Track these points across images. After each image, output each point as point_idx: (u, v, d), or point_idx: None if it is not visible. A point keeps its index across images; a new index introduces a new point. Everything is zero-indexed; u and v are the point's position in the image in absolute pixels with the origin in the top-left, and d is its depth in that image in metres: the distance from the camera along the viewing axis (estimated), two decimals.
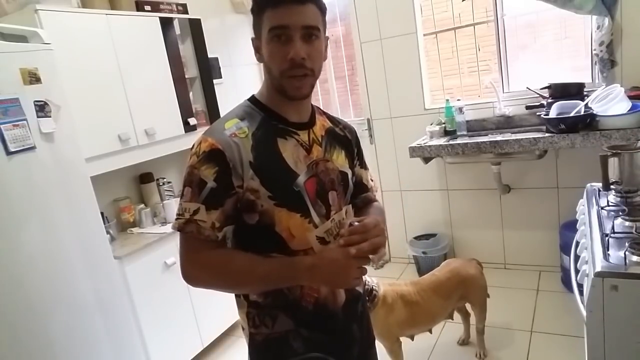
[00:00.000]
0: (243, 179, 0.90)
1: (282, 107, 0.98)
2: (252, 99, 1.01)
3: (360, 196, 1.18)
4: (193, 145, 0.93)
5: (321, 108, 1.13)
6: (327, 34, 0.98)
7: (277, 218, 0.93)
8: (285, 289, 0.98)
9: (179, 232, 0.92)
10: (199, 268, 0.92)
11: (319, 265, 0.90)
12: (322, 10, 0.93)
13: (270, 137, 0.95)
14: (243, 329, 1.06)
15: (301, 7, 0.88)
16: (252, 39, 0.96)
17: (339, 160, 1.06)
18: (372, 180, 1.23)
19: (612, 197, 1.55)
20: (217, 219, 0.90)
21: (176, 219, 0.92)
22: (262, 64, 0.98)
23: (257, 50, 0.96)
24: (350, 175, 1.09)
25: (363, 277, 0.95)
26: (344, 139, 1.11)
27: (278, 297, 0.98)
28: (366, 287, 1.86)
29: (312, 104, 1.06)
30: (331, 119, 1.12)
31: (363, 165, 1.21)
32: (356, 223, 0.93)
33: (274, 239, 0.95)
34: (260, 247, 0.95)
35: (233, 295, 1.04)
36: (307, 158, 0.99)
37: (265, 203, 0.92)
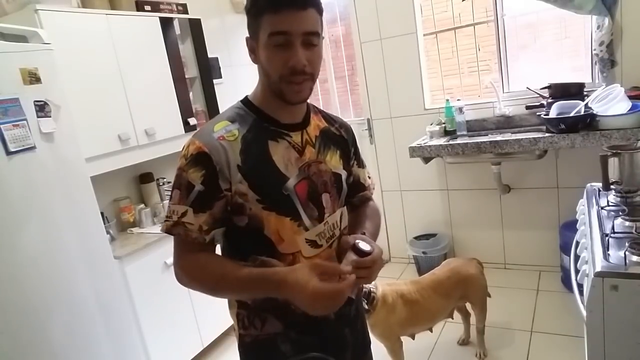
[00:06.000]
0: (230, 182, 0.89)
1: (276, 108, 0.96)
2: (245, 101, 0.99)
3: (357, 195, 1.17)
4: (183, 147, 0.93)
5: (317, 106, 1.11)
6: (324, 35, 0.96)
7: (266, 222, 0.93)
8: None
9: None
10: (182, 270, 0.93)
11: (289, 286, 0.84)
12: (321, 13, 0.91)
13: (260, 139, 0.94)
14: (234, 330, 1.06)
15: (302, 13, 0.85)
16: (247, 39, 0.94)
17: (333, 161, 1.04)
18: (369, 178, 1.22)
19: (612, 197, 1.55)
20: (204, 222, 0.90)
21: (164, 221, 0.92)
22: (257, 65, 0.95)
23: (252, 51, 0.93)
24: (344, 177, 1.07)
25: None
26: (339, 138, 1.10)
27: (268, 298, 0.97)
28: (363, 290, 1.86)
29: (307, 103, 1.04)
30: (327, 117, 1.10)
31: (360, 164, 1.19)
32: (361, 245, 0.93)
33: (263, 242, 0.94)
34: (249, 250, 0.95)
35: None
36: (299, 160, 0.97)
37: (253, 206, 0.91)
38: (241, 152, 0.91)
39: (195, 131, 0.96)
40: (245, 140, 0.92)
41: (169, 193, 1.01)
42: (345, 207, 1.10)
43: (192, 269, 0.92)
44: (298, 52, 0.87)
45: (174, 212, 0.90)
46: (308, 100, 1.02)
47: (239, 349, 1.05)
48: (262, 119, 0.96)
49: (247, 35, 0.94)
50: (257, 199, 0.91)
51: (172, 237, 0.94)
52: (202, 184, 0.88)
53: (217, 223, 0.91)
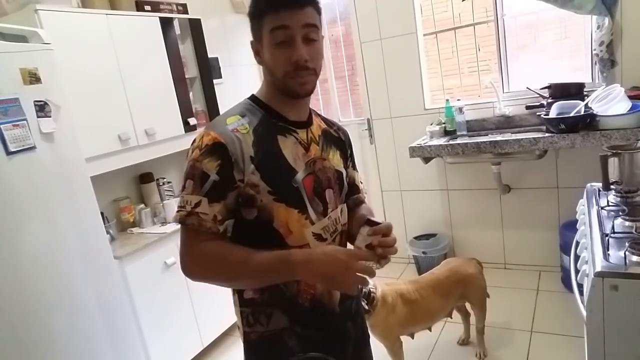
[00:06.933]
0: (244, 173, 0.91)
1: (283, 106, 0.99)
2: (253, 98, 1.02)
3: (352, 197, 1.20)
4: (195, 140, 0.94)
5: (315, 110, 1.15)
6: (323, 34, 0.99)
7: (276, 213, 0.94)
8: (282, 285, 0.98)
9: (179, 225, 0.92)
10: (196, 260, 0.91)
11: (314, 262, 0.87)
12: (319, 12, 0.96)
13: (270, 133, 0.97)
14: (238, 327, 1.06)
15: (301, 10, 0.90)
16: (252, 42, 0.98)
17: (335, 159, 1.08)
18: (361, 182, 1.25)
19: (612, 197, 1.55)
20: (219, 212, 0.90)
21: (177, 211, 0.92)
22: (262, 67, 0.99)
23: (257, 53, 0.98)
24: (345, 175, 1.11)
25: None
26: (338, 140, 1.14)
27: (275, 293, 0.98)
28: (363, 290, 1.86)
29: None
30: (325, 120, 1.15)
31: (354, 167, 1.23)
32: (373, 219, 0.96)
33: (271, 235, 0.95)
34: (257, 243, 0.94)
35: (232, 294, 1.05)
36: (306, 156, 1.00)
37: (264, 198, 0.93)
38: (253, 144, 0.93)
39: (207, 124, 0.98)
40: (256, 133, 0.95)
41: (172, 194, 1.01)
42: (345, 204, 1.12)
43: (209, 258, 0.90)
44: (300, 47, 0.91)
45: (188, 202, 0.90)
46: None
47: (244, 347, 1.05)
48: (271, 115, 0.99)
49: (251, 38, 0.98)
50: (268, 190, 0.93)
51: (171, 237, 0.94)
52: (217, 174, 0.89)
53: (230, 214, 0.92)
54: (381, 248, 0.92)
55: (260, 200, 0.93)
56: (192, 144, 0.94)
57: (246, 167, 0.91)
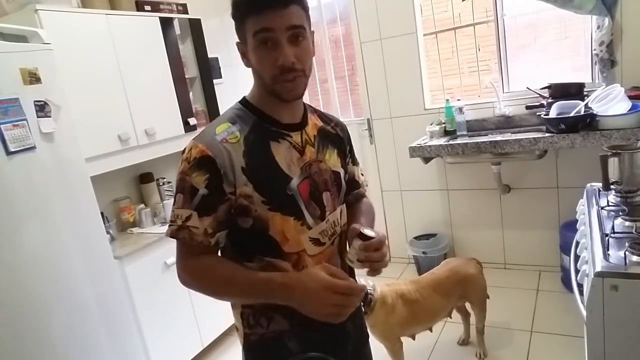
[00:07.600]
0: (235, 185, 0.89)
1: (274, 108, 0.97)
2: (244, 101, 0.99)
3: (352, 192, 1.18)
4: (184, 150, 0.92)
5: (312, 106, 1.12)
6: (312, 29, 0.96)
7: (271, 222, 0.93)
8: None
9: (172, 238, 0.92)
10: (187, 273, 0.93)
11: (292, 289, 0.86)
12: (306, 8, 0.91)
13: (263, 141, 0.94)
14: (237, 329, 1.06)
15: (284, 11, 0.86)
16: (237, 44, 0.95)
17: (332, 160, 1.06)
18: (362, 175, 1.24)
19: (612, 197, 1.55)
20: (209, 225, 0.89)
21: (169, 226, 0.92)
22: (250, 69, 0.96)
23: (244, 55, 0.94)
24: (342, 175, 1.09)
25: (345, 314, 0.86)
26: (335, 137, 1.11)
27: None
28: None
29: (303, 103, 1.05)
30: (322, 117, 1.11)
31: (354, 162, 1.21)
32: (366, 231, 0.94)
33: (267, 243, 0.94)
34: (253, 250, 0.95)
35: None
36: (301, 160, 0.98)
37: (259, 208, 0.92)
38: (244, 154, 0.91)
39: (197, 134, 0.96)
40: (247, 142, 0.92)
41: (171, 194, 1.01)
42: (344, 204, 1.11)
43: (197, 272, 0.92)
44: (285, 49, 0.87)
45: (178, 216, 0.90)
46: (305, 100, 1.03)
47: (243, 348, 1.05)
48: (263, 120, 0.96)
49: (237, 40, 0.95)
50: (262, 201, 0.91)
51: (174, 240, 0.94)
52: (206, 187, 0.88)
53: (221, 226, 0.91)
54: (370, 263, 0.93)
55: (255, 210, 0.92)
56: (182, 154, 0.92)
57: (237, 178, 0.89)
